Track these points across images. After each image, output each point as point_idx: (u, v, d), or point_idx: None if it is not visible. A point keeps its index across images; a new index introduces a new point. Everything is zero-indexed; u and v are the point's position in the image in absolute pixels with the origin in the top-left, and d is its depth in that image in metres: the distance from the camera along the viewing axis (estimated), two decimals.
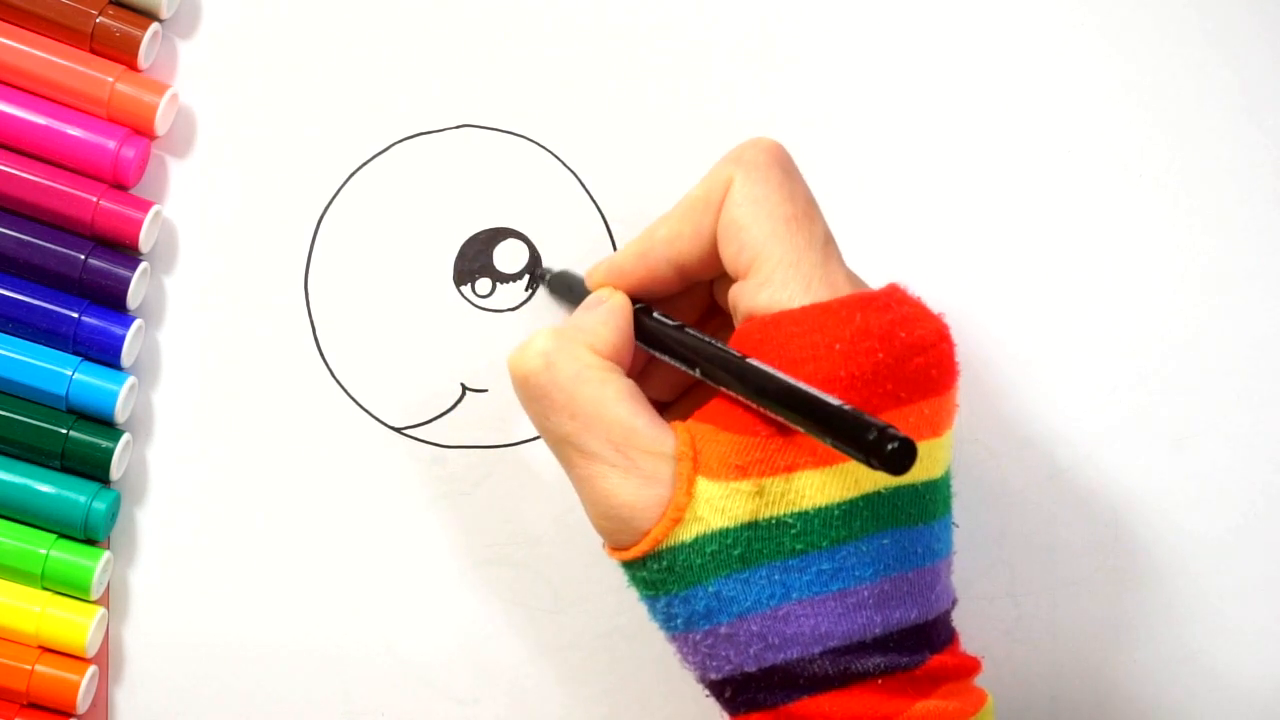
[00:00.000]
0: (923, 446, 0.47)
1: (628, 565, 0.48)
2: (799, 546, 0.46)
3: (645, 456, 0.46)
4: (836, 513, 0.46)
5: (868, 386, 0.46)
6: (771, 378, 0.45)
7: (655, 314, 0.50)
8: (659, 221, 0.50)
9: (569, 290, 0.54)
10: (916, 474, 0.47)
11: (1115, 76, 0.59)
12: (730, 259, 0.48)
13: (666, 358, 0.49)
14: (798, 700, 0.46)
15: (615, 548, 0.48)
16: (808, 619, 0.46)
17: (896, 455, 0.41)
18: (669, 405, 0.53)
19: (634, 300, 0.51)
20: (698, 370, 0.48)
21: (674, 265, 0.50)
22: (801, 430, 0.44)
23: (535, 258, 0.58)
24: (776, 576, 0.46)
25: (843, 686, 0.46)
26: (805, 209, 0.48)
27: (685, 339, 0.49)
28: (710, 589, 0.46)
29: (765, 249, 0.47)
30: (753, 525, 0.46)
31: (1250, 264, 0.58)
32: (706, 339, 0.48)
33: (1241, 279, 0.58)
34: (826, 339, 0.46)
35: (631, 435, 0.47)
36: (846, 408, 0.42)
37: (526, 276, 0.57)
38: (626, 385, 0.48)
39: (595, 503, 0.47)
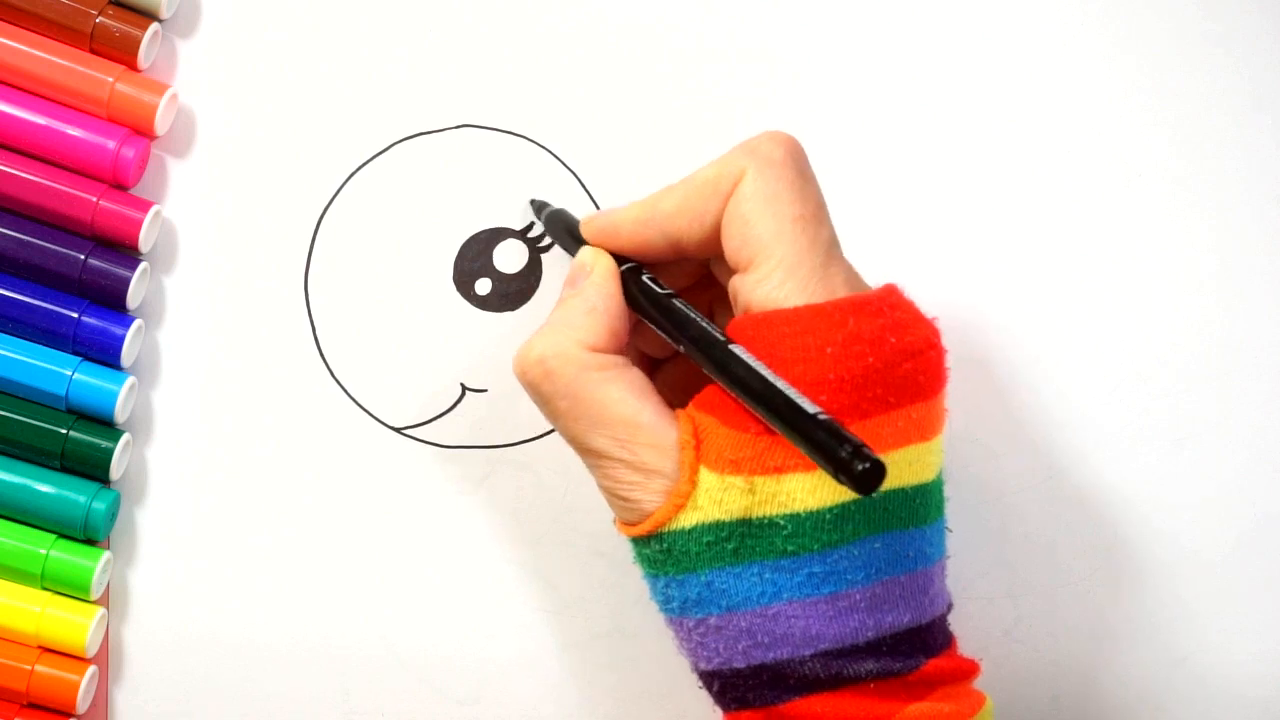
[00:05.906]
0: (912, 451, 0.47)
1: (633, 541, 0.48)
2: (790, 548, 0.46)
3: (650, 450, 0.47)
4: (828, 516, 0.46)
5: (857, 390, 0.46)
6: (752, 372, 0.45)
7: (645, 276, 0.50)
8: (665, 192, 0.49)
9: (564, 233, 0.54)
10: (907, 478, 0.47)
11: (1115, 75, 0.59)
12: (732, 251, 0.48)
13: (652, 325, 0.49)
14: (788, 701, 0.46)
15: (624, 523, 0.48)
16: (798, 620, 0.46)
17: (865, 475, 0.40)
18: (662, 361, 0.53)
19: (625, 259, 0.50)
20: (681, 346, 0.48)
21: (671, 239, 0.49)
22: (776, 430, 0.45)
23: (536, 258, 0.58)
24: (768, 575, 0.46)
25: (834, 689, 0.46)
26: (815, 211, 0.48)
27: (673, 310, 0.48)
28: (703, 578, 0.46)
29: (768, 247, 0.47)
30: (746, 522, 0.46)
31: (1250, 263, 0.58)
32: (694, 314, 0.48)
33: (1242, 278, 0.58)
34: (818, 341, 0.46)
35: (636, 431, 0.47)
36: (823, 417, 0.42)
37: (532, 220, 0.57)
38: (629, 380, 0.48)
39: (605, 487, 0.48)
